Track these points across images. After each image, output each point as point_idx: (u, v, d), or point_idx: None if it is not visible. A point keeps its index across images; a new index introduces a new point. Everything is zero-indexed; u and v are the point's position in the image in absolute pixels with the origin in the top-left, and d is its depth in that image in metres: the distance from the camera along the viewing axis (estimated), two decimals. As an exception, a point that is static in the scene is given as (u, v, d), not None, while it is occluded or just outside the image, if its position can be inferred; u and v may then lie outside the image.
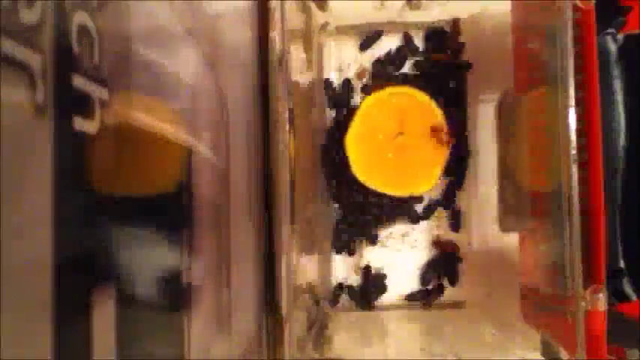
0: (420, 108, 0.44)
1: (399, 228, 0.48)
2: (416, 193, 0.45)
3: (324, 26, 0.48)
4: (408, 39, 0.48)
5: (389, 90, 0.45)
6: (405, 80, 0.47)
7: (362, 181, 0.44)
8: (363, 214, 0.47)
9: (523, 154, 0.38)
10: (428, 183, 0.45)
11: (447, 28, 0.48)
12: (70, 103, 0.14)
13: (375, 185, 0.45)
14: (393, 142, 0.44)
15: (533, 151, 0.37)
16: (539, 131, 0.36)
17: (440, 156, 0.44)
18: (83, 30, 0.15)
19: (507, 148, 0.42)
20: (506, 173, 0.43)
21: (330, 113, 0.48)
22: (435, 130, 0.44)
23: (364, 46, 0.48)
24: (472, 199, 0.48)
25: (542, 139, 0.35)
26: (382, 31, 0.48)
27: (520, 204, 0.39)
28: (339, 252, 0.48)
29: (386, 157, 0.44)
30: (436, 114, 0.44)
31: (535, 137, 0.36)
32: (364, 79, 0.48)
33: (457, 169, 0.47)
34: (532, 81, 0.37)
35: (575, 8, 0.30)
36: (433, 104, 0.44)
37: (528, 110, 0.37)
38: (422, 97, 0.44)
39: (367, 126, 0.44)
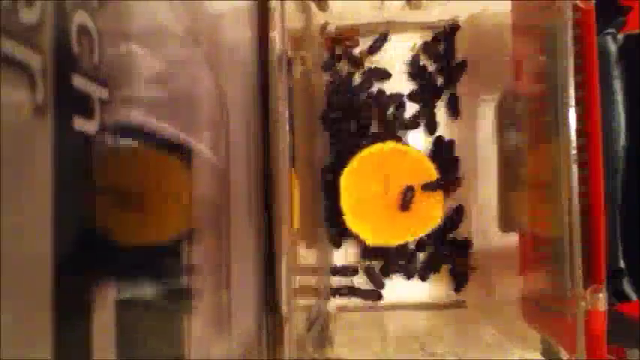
0: (393, 156, 0.45)
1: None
2: (422, 233, 0.45)
3: (324, 26, 0.47)
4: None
5: (354, 160, 0.45)
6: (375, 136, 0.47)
7: (378, 245, 0.45)
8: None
9: (523, 155, 0.38)
10: (434, 220, 0.45)
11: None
12: (70, 103, 0.14)
13: (387, 242, 0.45)
14: (385, 200, 0.44)
15: (533, 151, 0.37)
16: (539, 132, 0.36)
17: (436, 195, 0.45)
18: (83, 30, 0.15)
19: (507, 150, 0.42)
20: (505, 173, 0.43)
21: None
22: (426, 186, 0.44)
23: (373, 49, 0.48)
24: (472, 200, 0.48)
25: (542, 140, 0.35)
26: (388, 32, 0.48)
27: (520, 204, 0.39)
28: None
29: (385, 215, 0.44)
30: (411, 155, 0.45)
31: (535, 138, 0.36)
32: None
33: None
34: (532, 81, 0.37)
35: (575, 8, 0.30)
36: (402, 147, 0.45)
37: (528, 111, 0.37)
38: (389, 146, 0.45)
39: (354, 199, 0.44)
